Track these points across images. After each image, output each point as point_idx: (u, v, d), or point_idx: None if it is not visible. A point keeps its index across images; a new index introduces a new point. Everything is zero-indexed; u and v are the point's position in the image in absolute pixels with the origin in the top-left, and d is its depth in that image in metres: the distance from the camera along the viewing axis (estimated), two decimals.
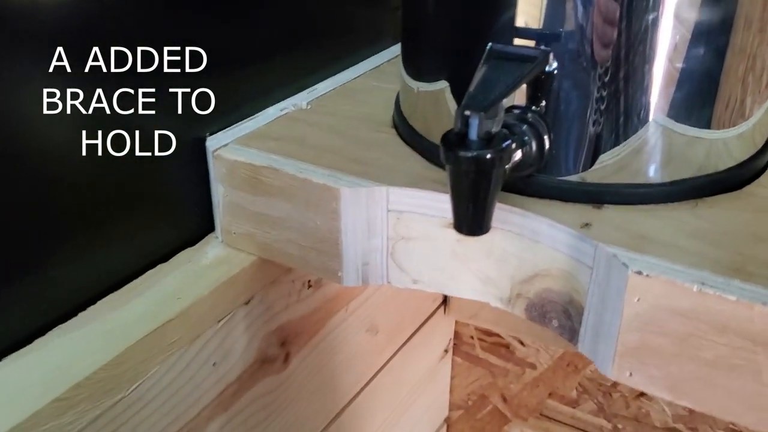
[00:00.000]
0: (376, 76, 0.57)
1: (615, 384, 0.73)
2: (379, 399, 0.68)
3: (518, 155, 0.36)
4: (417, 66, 0.44)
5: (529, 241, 0.38)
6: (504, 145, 0.33)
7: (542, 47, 0.36)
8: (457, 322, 0.80)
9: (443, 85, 0.41)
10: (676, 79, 0.37)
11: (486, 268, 0.40)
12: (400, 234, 0.41)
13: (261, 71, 0.50)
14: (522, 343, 0.77)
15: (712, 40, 0.36)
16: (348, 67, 0.58)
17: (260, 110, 0.50)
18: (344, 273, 0.42)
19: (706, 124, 0.38)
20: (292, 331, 0.52)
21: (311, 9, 0.54)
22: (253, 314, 0.46)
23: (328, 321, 0.56)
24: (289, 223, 0.43)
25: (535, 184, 0.39)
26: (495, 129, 0.33)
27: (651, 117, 0.37)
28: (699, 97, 0.38)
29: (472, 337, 0.80)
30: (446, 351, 0.81)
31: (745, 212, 0.38)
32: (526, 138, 0.36)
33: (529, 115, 0.37)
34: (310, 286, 0.51)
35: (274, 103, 0.51)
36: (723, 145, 0.39)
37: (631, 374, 0.35)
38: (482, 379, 0.82)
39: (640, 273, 0.33)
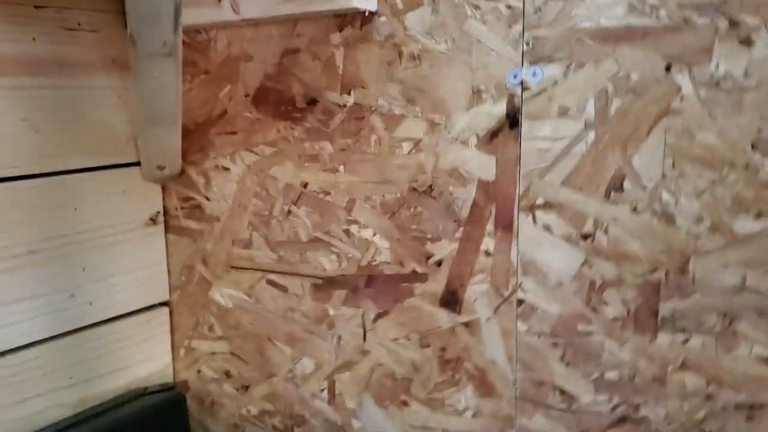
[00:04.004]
0: None
1: (271, 211, 0.87)
2: None
3: None
4: None
5: None
6: None
7: None
8: (164, 192, 0.95)
9: None
10: None
11: None
12: None
13: None
14: (208, 198, 0.92)
15: None
16: None
17: None
18: None
19: None
20: None
21: None
22: None
23: None
24: None
25: None
26: None
27: None
28: None
29: (176, 208, 0.95)
30: (153, 221, 0.94)
31: None
32: None
33: None
34: None
35: None
36: None
37: None
38: (188, 249, 0.95)
39: None
